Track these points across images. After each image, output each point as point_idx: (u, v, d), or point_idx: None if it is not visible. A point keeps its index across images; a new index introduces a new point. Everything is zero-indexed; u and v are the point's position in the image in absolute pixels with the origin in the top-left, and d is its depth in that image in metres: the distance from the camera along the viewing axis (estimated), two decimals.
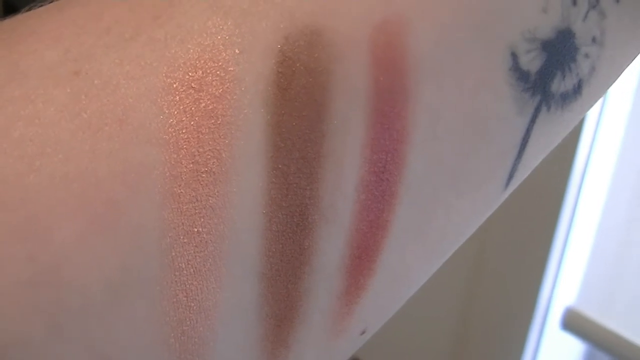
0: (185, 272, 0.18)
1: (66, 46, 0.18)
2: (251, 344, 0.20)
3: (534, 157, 0.24)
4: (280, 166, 0.18)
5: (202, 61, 0.18)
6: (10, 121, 0.16)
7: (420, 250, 0.22)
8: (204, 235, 0.18)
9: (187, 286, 0.18)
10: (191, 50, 0.18)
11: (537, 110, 0.22)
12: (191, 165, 0.17)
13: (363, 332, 0.23)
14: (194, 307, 0.18)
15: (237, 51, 0.18)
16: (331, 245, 0.20)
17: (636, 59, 0.25)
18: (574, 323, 1.24)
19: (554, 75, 0.22)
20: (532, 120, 0.22)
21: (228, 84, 0.18)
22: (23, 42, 0.18)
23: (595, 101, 0.25)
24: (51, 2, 0.19)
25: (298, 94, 0.18)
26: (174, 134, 0.17)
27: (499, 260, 1.28)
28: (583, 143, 1.09)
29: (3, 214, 0.16)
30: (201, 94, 0.18)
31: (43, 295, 0.16)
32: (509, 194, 0.25)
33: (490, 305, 1.32)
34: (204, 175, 0.18)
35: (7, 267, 0.16)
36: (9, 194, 0.16)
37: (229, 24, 0.18)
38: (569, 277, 1.22)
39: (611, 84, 0.25)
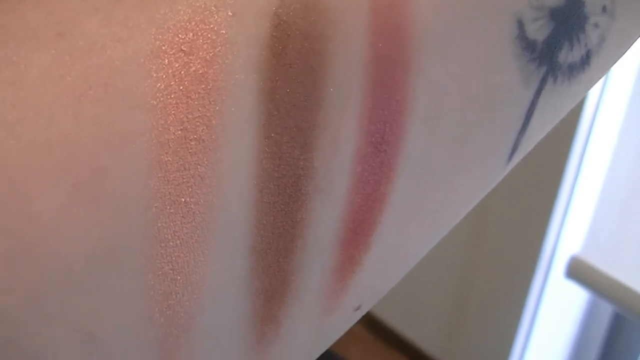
0: (171, 243, 0.17)
1: (50, 7, 0.17)
2: (240, 319, 0.19)
3: (539, 130, 0.23)
4: (272, 135, 0.18)
5: (193, 23, 0.17)
6: None
7: (419, 225, 0.22)
8: (192, 206, 0.17)
9: (174, 258, 0.17)
10: (181, 12, 0.17)
11: (543, 82, 0.21)
12: (179, 132, 0.17)
13: (358, 308, 0.22)
14: (181, 281, 0.18)
15: (229, 13, 0.17)
16: (325, 219, 0.19)
17: None
18: (578, 272, 1.24)
19: (562, 45, 0.21)
20: (538, 92, 0.22)
21: (220, 47, 0.17)
22: (5, 2, 0.17)
23: (604, 73, 0.24)
24: None
25: (293, 60, 0.17)
26: (161, 98, 0.16)
27: (504, 207, 1.28)
28: (592, 92, 1.08)
29: None
30: (191, 57, 0.17)
31: (22, 269, 0.15)
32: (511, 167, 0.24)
33: (495, 253, 1.32)
34: (192, 143, 0.17)
35: None
36: None
37: None
38: (574, 226, 1.22)
39: (620, 56, 0.24)
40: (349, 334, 0.25)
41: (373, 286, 0.22)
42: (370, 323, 1.58)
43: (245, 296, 0.19)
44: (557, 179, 1.17)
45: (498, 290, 1.34)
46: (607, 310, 1.32)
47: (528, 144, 0.23)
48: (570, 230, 1.22)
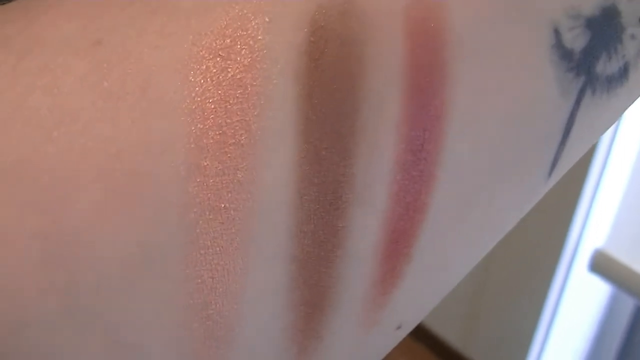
0: (210, 250, 0.17)
1: (87, 19, 0.17)
2: (279, 331, 0.19)
3: (579, 145, 0.23)
4: (312, 140, 0.17)
5: (231, 29, 0.17)
6: (28, 91, 0.15)
7: (460, 238, 0.21)
8: (231, 212, 0.17)
9: (213, 266, 0.17)
10: (218, 19, 0.17)
11: (581, 93, 0.21)
12: (218, 137, 0.16)
13: (399, 327, 0.21)
14: (220, 290, 0.17)
15: (267, 19, 0.17)
16: (366, 228, 0.19)
17: None
18: (602, 265, 1.23)
19: (599, 56, 0.21)
20: (577, 103, 0.21)
21: (257, 52, 0.17)
22: (42, 15, 0.17)
23: None
24: None
25: (331, 65, 0.17)
26: (199, 103, 0.16)
27: None
28: None
29: (16, 186, 0.15)
30: (229, 62, 0.17)
31: (57, 272, 0.15)
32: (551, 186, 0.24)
33: (518, 245, 1.32)
34: (231, 148, 0.17)
35: (19, 242, 0.15)
36: (23, 166, 0.15)
37: None
38: (599, 219, 1.21)
39: None
40: None
41: (414, 303, 0.21)
42: None
43: (285, 307, 0.18)
44: (583, 171, 1.16)
45: (520, 281, 1.33)
46: (628, 304, 1.31)
47: (568, 160, 0.23)
48: (595, 224, 1.21)
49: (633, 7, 0.21)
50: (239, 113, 0.17)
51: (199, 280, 0.17)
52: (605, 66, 0.21)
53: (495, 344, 1.42)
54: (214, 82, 0.17)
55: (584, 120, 0.22)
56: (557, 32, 0.20)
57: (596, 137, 0.24)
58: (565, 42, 0.20)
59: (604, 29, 0.21)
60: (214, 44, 0.17)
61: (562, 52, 0.20)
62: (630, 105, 0.24)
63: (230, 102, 0.17)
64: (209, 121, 0.16)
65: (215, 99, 0.17)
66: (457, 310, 1.48)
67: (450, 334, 1.51)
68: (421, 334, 1.55)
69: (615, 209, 1.22)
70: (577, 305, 1.29)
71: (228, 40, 0.17)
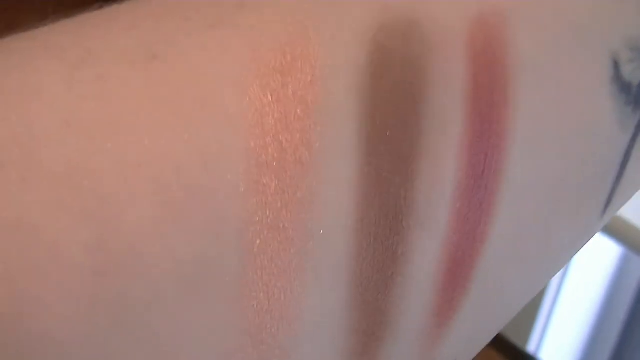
0: (268, 271, 0.16)
1: (142, 32, 0.17)
2: (337, 358, 0.18)
3: (632, 184, 0.22)
4: (373, 161, 0.17)
5: (291, 47, 0.17)
6: (82, 100, 0.15)
7: (517, 271, 0.21)
8: (290, 232, 0.16)
9: (270, 288, 0.17)
10: (279, 35, 0.17)
11: (638, 128, 0.21)
12: (278, 154, 0.16)
13: None
14: (276, 313, 0.17)
15: (328, 38, 0.17)
16: (426, 256, 0.18)
17: None
18: (612, 226, 1.23)
19: None
20: (634, 138, 0.21)
21: (319, 70, 0.17)
22: (96, 28, 0.17)
23: None
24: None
25: (393, 85, 0.17)
26: (259, 118, 0.16)
27: None
28: None
29: (68, 196, 0.15)
30: (289, 79, 0.16)
31: (109, 285, 0.15)
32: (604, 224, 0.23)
33: None
34: (292, 165, 0.16)
35: (72, 253, 0.14)
36: (76, 176, 0.15)
37: (320, 11, 0.17)
38: None
39: None
40: None
41: (469, 338, 0.21)
42: None
43: (342, 334, 0.18)
44: None
45: None
46: (639, 266, 1.31)
47: (621, 199, 0.22)
48: None
49: None
50: (299, 130, 0.16)
51: (255, 302, 0.17)
52: None
53: None
54: (274, 98, 0.16)
55: (639, 157, 0.22)
56: (616, 64, 0.20)
57: None
58: (624, 74, 0.20)
59: None
60: (275, 61, 0.16)
61: (621, 84, 0.20)
62: None
63: (291, 118, 0.16)
64: (269, 137, 0.16)
65: (275, 115, 0.16)
66: None
67: None
68: None
69: None
70: (587, 265, 1.29)
71: (289, 57, 0.16)
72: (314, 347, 0.18)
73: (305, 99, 0.16)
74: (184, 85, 0.16)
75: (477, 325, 0.21)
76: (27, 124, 0.15)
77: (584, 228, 0.22)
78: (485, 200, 0.19)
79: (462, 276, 0.19)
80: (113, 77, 0.16)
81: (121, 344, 0.15)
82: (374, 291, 0.18)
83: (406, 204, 0.18)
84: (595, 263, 1.30)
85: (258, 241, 0.16)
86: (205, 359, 0.16)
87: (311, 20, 0.17)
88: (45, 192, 0.14)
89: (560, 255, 0.23)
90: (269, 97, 0.16)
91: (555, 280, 1.29)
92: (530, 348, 1.35)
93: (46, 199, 0.14)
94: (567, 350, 1.39)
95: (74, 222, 0.15)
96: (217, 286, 0.16)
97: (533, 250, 0.21)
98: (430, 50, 0.17)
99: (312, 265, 0.17)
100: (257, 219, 0.16)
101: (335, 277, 0.17)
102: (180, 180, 0.15)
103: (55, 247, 0.14)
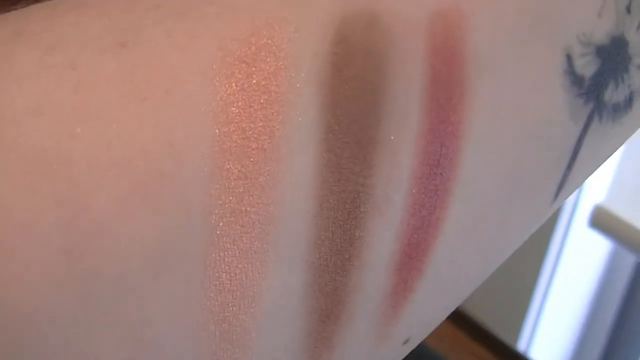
0: (230, 252, 0.17)
1: (111, 20, 0.17)
2: (294, 338, 0.19)
3: (583, 170, 0.24)
4: (333, 149, 0.18)
5: (256, 37, 0.17)
6: (53, 86, 0.16)
7: (471, 254, 0.22)
8: (252, 215, 0.17)
9: (232, 268, 0.17)
10: (245, 27, 0.17)
11: (589, 119, 0.22)
12: (241, 141, 0.17)
13: (406, 342, 0.22)
14: (238, 292, 0.17)
15: (292, 30, 0.17)
16: (382, 239, 0.19)
17: None
18: (602, 221, 1.23)
19: (607, 84, 0.22)
20: (585, 129, 0.22)
21: (282, 61, 0.17)
22: (65, 16, 0.17)
23: None
24: None
25: (354, 76, 0.18)
26: (224, 107, 0.17)
27: None
28: None
29: (40, 178, 0.15)
30: (253, 69, 0.17)
31: (78, 265, 0.15)
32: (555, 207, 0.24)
33: None
34: (254, 152, 0.17)
35: (42, 233, 0.15)
36: (46, 158, 0.15)
37: (285, 3, 0.18)
38: (598, 174, 1.20)
39: None
40: None
41: (423, 317, 0.22)
42: None
43: (300, 314, 0.19)
44: None
45: None
46: (629, 261, 1.31)
47: (572, 185, 0.24)
48: (595, 179, 1.20)
49: None
50: (262, 118, 0.17)
51: (218, 282, 0.17)
52: (612, 94, 0.22)
53: (495, 299, 1.42)
54: (238, 87, 0.17)
55: (590, 145, 0.23)
56: (569, 58, 0.21)
57: (599, 164, 0.24)
58: (576, 67, 0.21)
59: (613, 57, 0.22)
60: (240, 51, 0.17)
61: (574, 77, 0.21)
62: (632, 134, 0.25)
63: (255, 107, 0.17)
64: (232, 125, 0.17)
65: (239, 103, 0.17)
66: None
67: None
68: None
69: (615, 164, 1.21)
70: (577, 261, 1.29)
71: (254, 48, 0.17)
72: (273, 327, 0.18)
73: (268, 88, 0.17)
74: (152, 72, 0.16)
75: (431, 306, 0.22)
76: None
77: (537, 213, 0.23)
78: (441, 187, 0.19)
79: (418, 259, 0.20)
80: (83, 63, 0.16)
81: (90, 321, 0.16)
82: (332, 273, 0.19)
83: (364, 190, 0.18)
84: (585, 259, 1.30)
85: (221, 224, 0.17)
86: (170, 336, 0.17)
87: (276, 12, 0.18)
88: (17, 175, 0.15)
89: (512, 239, 0.24)
90: (234, 86, 0.17)
91: (545, 277, 1.29)
92: (521, 346, 1.35)
93: (18, 181, 0.15)
94: (557, 348, 1.39)
95: (44, 204, 0.15)
96: (182, 266, 0.17)
97: (486, 234, 0.22)
98: (391, 43, 0.18)
99: (273, 248, 0.18)
100: (220, 202, 0.17)
101: (295, 258, 0.18)
102: (147, 164, 0.16)
103: (26, 227, 0.15)
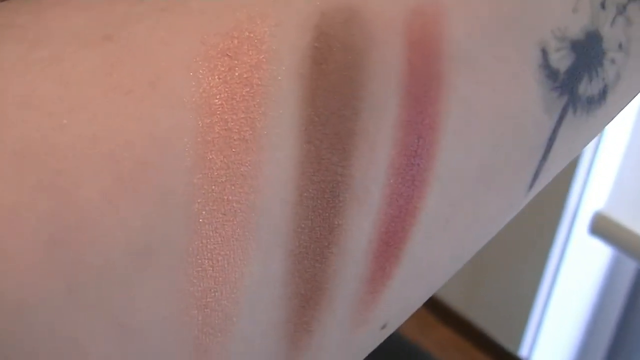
0: (212, 240, 0.18)
1: (97, 14, 0.18)
2: (274, 324, 0.19)
3: (558, 161, 0.24)
4: (313, 140, 0.18)
5: (238, 31, 0.18)
6: (38, 80, 0.16)
7: (447, 243, 0.22)
8: (234, 204, 0.18)
9: (214, 255, 0.18)
10: (227, 21, 0.18)
11: (564, 111, 0.23)
12: (224, 132, 0.17)
13: (384, 327, 0.22)
14: (220, 279, 0.18)
15: (273, 24, 0.18)
16: (360, 228, 0.20)
17: None
18: (602, 227, 1.23)
19: (582, 77, 0.23)
20: (559, 121, 0.23)
21: (264, 54, 0.18)
22: (52, 8, 0.18)
23: (619, 111, 0.25)
24: None
25: (334, 70, 0.18)
26: (207, 99, 0.17)
27: None
28: None
29: (26, 170, 0.16)
30: (236, 62, 0.18)
31: (63, 254, 0.16)
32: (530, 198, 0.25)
33: None
34: (236, 142, 0.17)
35: (28, 222, 0.15)
36: (33, 150, 0.16)
37: None
38: (599, 181, 1.20)
39: (634, 96, 0.25)
40: None
41: (400, 303, 0.22)
42: None
43: (280, 300, 0.19)
44: None
45: (521, 245, 1.33)
46: (630, 267, 1.31)
47: (547, 175, 0.24)
48: (595, 186, 1.20)
49: (614, 33, 0.23)
50: (244, 110, 0.17)
51: (200, 269, 0.18)
52: (587, 88, 0.23)
53: (497, 307, 1.43)
54: (221, 80, 0.17)
55: (564, 137, 0.23)
56: (544, 52, 0.21)
57: (573, 155, 0.25)
58: (551, 62, 0.22)
59: (588, 52, 0.22)
60: (222, 44, 0.17)
61: (548, 71, 0.22)
62: (605, 127, 0.26)
63: (237, 99, 0.17)
64: (215, 116, 0.17)
65: (222, 95, 0.17)
66: (458, 273, 1.48)
67: (451, 297, 1.51)
68: None
69: (615, 171, 1.21)
70: (578, 268, 1.29)
71: (236, 41, 0.18)
72: (253, 313, 0.19)
73: (250, 81, 0.18)
74: (136, 65, 0.17)
75: (408, 292, 0.22)
76: None
77: (512, 203, 0.24)
78: (418, 178, 0.20)
79: (395, 247, 0.20)
80: (68, 57, 0.17)
81: (75, 310, 0.16)
82: (311, 260, 0.19)
83: (343, 180, 0.19)
84: (586, 266, 1.30)
85: (204, 212, 0.17)
86: (155, 323, 0.17)
87: (258, 7, 0.18)
88: (5, 166, 0.15)
89: (487, 229, 0.24)
90: (217, 79, 0.17)
91: (546, 285, 1.29)
92: (523, 353, 1.35)
93: (5, 172, 0.15)
94: (559, 354, 1.39)
95: (30, 194, 0.15)
96: (165, 253, 0.17)
97: (462, 223, 0.22)
98: (369, 37, 0.19)
99: (254, 235, 0.18)
100: (203, 192, 0.17)
101: (275, 246, 0.19)
102: (131, 155, 0.16)
103: (13, 217, 0.15)
